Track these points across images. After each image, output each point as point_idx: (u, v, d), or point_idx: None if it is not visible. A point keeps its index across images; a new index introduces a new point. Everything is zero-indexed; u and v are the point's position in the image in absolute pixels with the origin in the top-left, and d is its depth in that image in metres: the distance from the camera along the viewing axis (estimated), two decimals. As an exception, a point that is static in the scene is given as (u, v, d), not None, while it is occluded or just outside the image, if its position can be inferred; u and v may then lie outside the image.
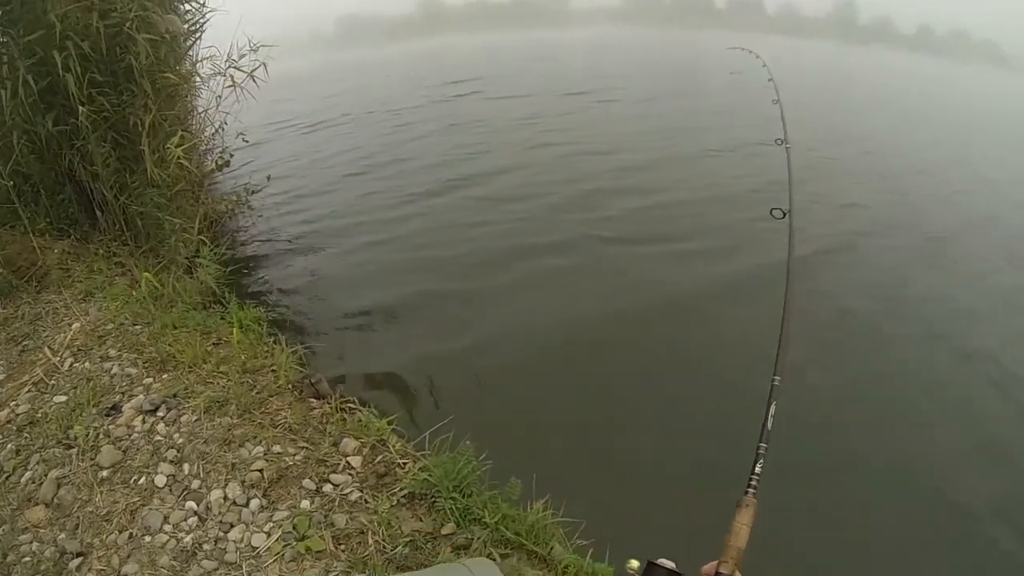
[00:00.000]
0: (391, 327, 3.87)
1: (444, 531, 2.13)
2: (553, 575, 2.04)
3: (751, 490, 1.04)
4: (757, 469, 1.08)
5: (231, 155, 5.06)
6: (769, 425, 1.17)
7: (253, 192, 5.07)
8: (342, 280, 4.33)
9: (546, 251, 4.80)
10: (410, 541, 2.10)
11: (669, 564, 0.90)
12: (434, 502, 2.21)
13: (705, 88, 12.08)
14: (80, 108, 3.55)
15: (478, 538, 2.08)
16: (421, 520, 2.18)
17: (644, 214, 5.51)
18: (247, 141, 5.35)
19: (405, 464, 2.41)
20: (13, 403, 2.70)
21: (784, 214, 1.92)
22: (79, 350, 3.00)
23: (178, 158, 3.89)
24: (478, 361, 3.60)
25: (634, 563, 0.91)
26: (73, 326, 3.14)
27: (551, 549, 2.09)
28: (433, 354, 3.62)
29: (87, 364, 2.92)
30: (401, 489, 2.29)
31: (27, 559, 2.09)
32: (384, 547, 2.10)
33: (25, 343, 3.05)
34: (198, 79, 4.81)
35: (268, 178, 5.33)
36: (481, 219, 5.37)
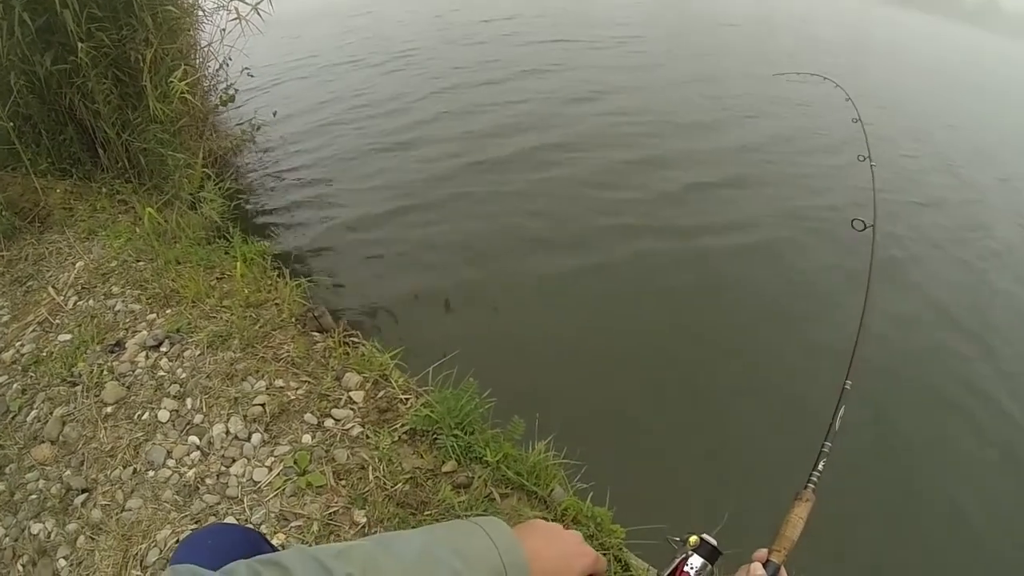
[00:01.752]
0: (398, 261, 3.75)
1: (445, 469, 2.07)
2: (552, 516, 1.98)
3: (811, 485, 1.06)
4: (820, 466, 1.11)
5: (236, 91, 4.87)
6: (836, 426, 1.22)
7: (259, 128, 4.90)
8: (349, 215, 4.19)
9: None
10: (411, 478, 2.04)
11: (712, 541, 0.91)
12: (435, 439, 2.14)
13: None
14: (79, 45, 3.39)
15: (479, 477, 2.01)
16: (422, 457, 2.12)
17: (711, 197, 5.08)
18: (252, 76, 5.14)
19: (407, 400, 2.33)
20: (18, 343, 2.68)
21: (865, 226, 1.88)
22: (83, 288, 2.97)
23: (181, 93, 3.74)
24: (489, 295, 3.49)
25: (693, 539, 0.92)
26: (77, 265, 3.10)
27: (551, 491, 2.02)
28: (441, 288, 3.51)
29: (91, 302, 2.88)
30: (403, 425, 2.22)
31: (33, 496, 2.10)
32: (385, 483, 2.05)
33: (29, 284, 3.02)
34: (200, 12, 4.60)
35: (274, 114, 5.14)
36: (498, 163, 5.11)
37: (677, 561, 0.90)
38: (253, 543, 1.05)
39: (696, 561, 0.89)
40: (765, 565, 0.89)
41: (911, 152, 6.11)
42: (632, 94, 6.85)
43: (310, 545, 1.95)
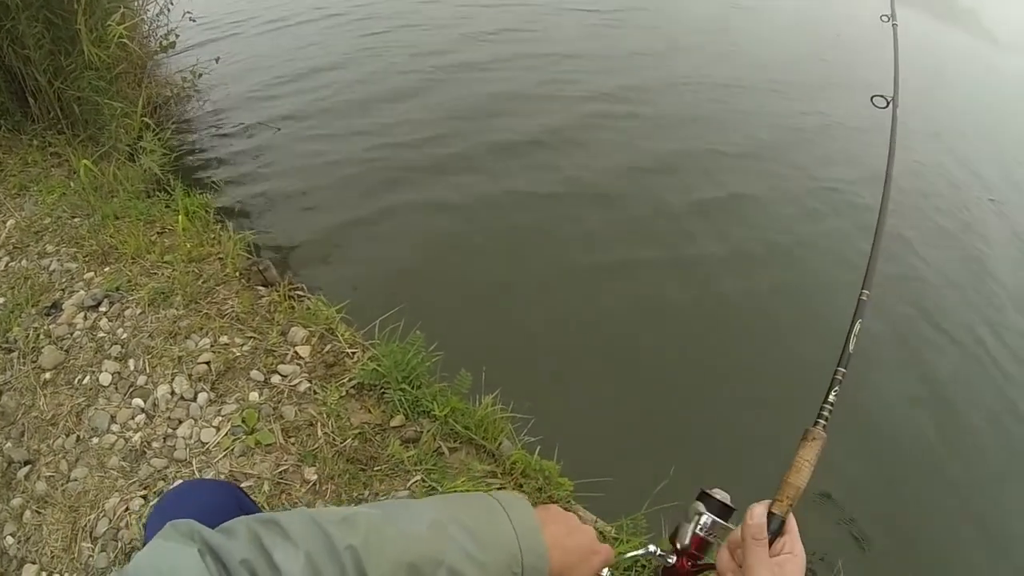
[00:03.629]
0: (343, 212, 3.60)
1: (393, 423, 2.04)
2: (501, 469, 1.97)
3: (821, 421, 0.86)
4: (831, 397, 0.89)
5: (177, 36, 4.55)
6: (851, 348, 0.97)
7: (200, 75, 4.60)
8: (294, 166, 3.99)
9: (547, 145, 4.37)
10: (359, 433, 2.01)
11: (723, 495, 0.81)
12: (383, 393, 2.11)
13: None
14: None
15: (427, 431, 1.99)
16: (370, 411, 2.08)
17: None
18: (194, 21, 4.79)
19: (354, 354, 2.28)
20: (-54, 309, 2.56)
21: (887, 102, 1.60)
22: (15, 248, 2.82)
23: (119, 37, 3.48)
24: (437, 248, 3.40)
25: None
26: (7, 223, 2.93)
27: (499, 444, 2.01)
28: (388, 240, 3.41)
29: (24, 262, 2.75)
30: (350, 380, 2.18)
31: (-27, 472, 2.04)
32: (334, 439, 2.02)
33: (-44, 245, 2.86)
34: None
35: (217, 60, 4.79)
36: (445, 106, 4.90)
37: (690, 526, 0.82)
38: (233, 495, 1.03)
39: (705, 519, 0.81)
40: (767, 522, 0.75)
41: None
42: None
43: (264, 506, 1.93)
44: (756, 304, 3.28)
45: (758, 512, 0.75)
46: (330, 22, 6.67)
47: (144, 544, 0.93)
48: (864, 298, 1.07)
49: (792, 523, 0.76)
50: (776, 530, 0.75)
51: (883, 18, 2.13)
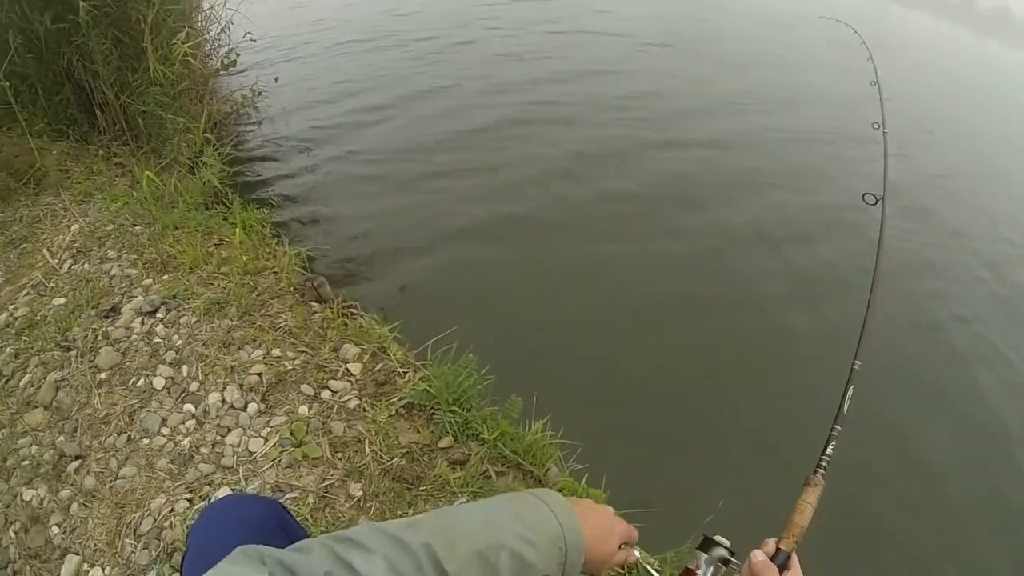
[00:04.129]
0: (400, 232, 3.68)
1: (441, 444, 2.05)
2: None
3: (820, 470, 1.03)
4: (829, 450, 1.08)
5: (237, 55, 4.77)
6: (845, 409, 1.17)
7: (260, 93, 4.80)
8: (351, 184, 4.12)
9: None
10: (407, 452, 2.02)
11: (724, 542, 0.89)
12: (433, 414, 2.12)
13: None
14: (80, 3, 3.30)
15: (475, 454, 1.99)
16: (419, 432, 2.09)
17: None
18: (255, 40, 5.02)
19: (405, 373, 2.30)
20: (12, 306, 2.64)
21: (877, 200, 1.81)
22: (78, 252, 2.92)
23: (183, 55, 3.66)
24: (494, 272, 3.44)
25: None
26: (72, 228, 3.04)
27: (547, 470, 2.00)
28: (443, 263, 3.45)
29: (86, 266, 2.84)
30: (400, 399, 2.19)
31: (26, 462, 2.08)
32: (381, 457, 2.02)
33: (23, 246, 2.97)
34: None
35: (276, 79, 5.03)
36: (496, 135, 5.01)
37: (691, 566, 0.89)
38: (276, 513, 1.06)
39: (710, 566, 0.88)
40: (775, 556, 0.87)
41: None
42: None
43: (307, 518, 1.94)
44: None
45: (762, 553, 0.87)
46: (393, 48, 6.93)
47: (186, 550, 0.97)
48: (856, 367, 1.27)
49: (795, 560, 0.88)
50: (783, 564, 0.86)
51: (874, 126, 2.31)
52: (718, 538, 0.89)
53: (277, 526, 1.02)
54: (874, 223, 1.72)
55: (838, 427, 1.13)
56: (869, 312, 1.43)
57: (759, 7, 12.04)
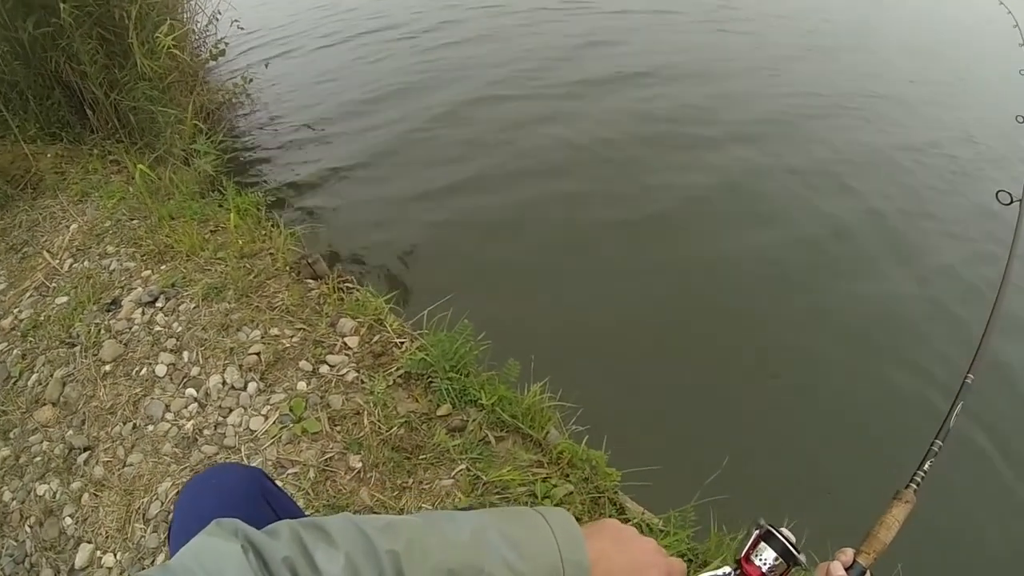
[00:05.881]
0: (392, 207, 3.64)
1: (440, 412, 2.02)
2: (547, 459, 1.92)
3: (913, 485, 0.93)
4: (926, 466, 0.97)
5: (226, 44, 4.72)
6: (951, 424, 1.05)
7: (250, 80, 4.76)
8: (343, 164, 4.07)
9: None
10: (405, 422, 2.00)
11: (790, 536, 0.79)
12: (430, 382, 2.09)
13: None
14: (61, 6, 3.28)
15: (473, 420, 1.96)
16: (417, 401, 2.07)
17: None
18: (242, 29, 4.97)
19: (402, 343, 2.28)
20: (16, 310, 2.67)
21: (1012, 200, 1.66)
22: (78, 250, 2.94)
23: (168, 48, 3.62)
24: (486, 237, 3.38)
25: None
26: (71, 228, 3.06)
27: (546, 433, 1.96)
28: (435, 231, 3.41)
29: (86, 263, 2.86)
30: (398, 369, 2.17)
31: (38, 458, 2.11)
32: (380, 428, 2.01)
33: (24, 250, 3.00)
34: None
35: (266, 65, 4.98)
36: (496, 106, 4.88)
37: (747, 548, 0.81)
38: (255, 479, 1.06)
39: (768, 555, 0.78)
40: (850, 568, 0.80)
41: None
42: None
43: (308, 492, 1.93)
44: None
45: (841, 566, 0.80)
46: (386, 38, 6.72)
47: (171, 521, 0.97)
48: (969, 381, 1.14)
49: None
50: None
51: (1018, 119, 2.18)
52: (783, 531, 0.79)
53: (259, 492, 1.03)
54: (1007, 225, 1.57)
55: (939, 442, 1.01)
56: (991, 323, 1.27)
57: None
